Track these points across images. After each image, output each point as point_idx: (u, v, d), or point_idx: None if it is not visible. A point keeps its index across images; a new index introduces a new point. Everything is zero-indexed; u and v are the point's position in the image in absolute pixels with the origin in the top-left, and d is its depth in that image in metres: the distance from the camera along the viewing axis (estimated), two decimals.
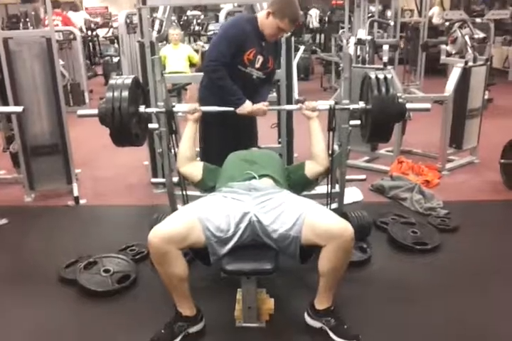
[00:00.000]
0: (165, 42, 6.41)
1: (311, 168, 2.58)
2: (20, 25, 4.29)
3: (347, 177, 2.86)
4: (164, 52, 6.01)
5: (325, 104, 2.69)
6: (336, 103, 2.69)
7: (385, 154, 4.48)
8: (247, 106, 2.78)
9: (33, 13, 4.01)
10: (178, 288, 2.11)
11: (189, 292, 2.14)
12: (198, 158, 2.85)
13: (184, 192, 2.73)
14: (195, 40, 8.37)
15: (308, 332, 2.18)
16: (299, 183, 2.58)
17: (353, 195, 3.67)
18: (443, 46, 4.88)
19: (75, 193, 3.77)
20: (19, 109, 3.38)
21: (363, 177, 3.17)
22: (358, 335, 2.09)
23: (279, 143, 3.86)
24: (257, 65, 2.86)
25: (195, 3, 6.82)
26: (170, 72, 5.75)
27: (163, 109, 2.58)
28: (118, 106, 2.31)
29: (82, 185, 4.03)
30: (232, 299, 2.24)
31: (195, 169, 2.59)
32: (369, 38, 4.96)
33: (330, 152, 2.60)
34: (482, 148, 4.56)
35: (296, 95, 6.24)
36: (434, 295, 2.48)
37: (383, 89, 2.35)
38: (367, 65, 4.59)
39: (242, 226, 2.09)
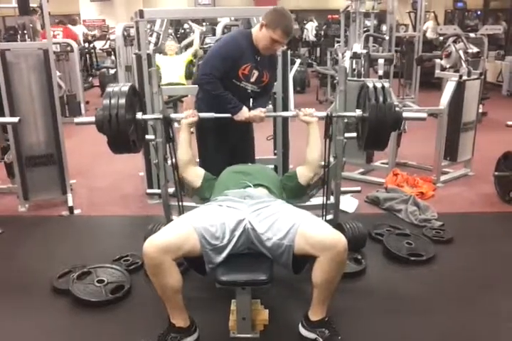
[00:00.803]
0: (161, 54, 6.44)
1: (303, 175, 2.61)
2: (18, 37, 4.32)
3: (342, 188, 2.88)
4: (158, 61, 5.94)
5: (321, 113, 2.70)
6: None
7: (380, 166, 4.50)
8: (244, 113, 2.82)
9: (30, 25, 4.03)
10: (171, 299, 2.10)
11: (183, 303, 2.13)
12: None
13: (180, 203, 2.73)
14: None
15: None
16: (293, 191, 2.61)
17: (349, 203, 3.68)
18: (437, 60, 4.93)
19: (70, 203, 3.77)
20: (15, 119, 3.39)
21: (358, 188, 3.18)
22: None
23: (275, 154, 3.87)
24: (252, 80, 2.88)
25: (191, 16, 6.89)
26: (166, 84, 5.76)
27: (161, 116, 2.60)
28: (115, 113, 2.32)
29: (76, 195, 4.03)
30: (226, 310, 2.23)
31: (196, 177, 2.64)
32: (364, 51, 5.00)
33: (326, 159, 2.62)
34: (476, 160, 4.59)
35: (292, 108, 6.27)
36: (429, 306, 2.48)
37: (380, 98, 2.39)
38: (362, 79, 4.62)
39: (237, 233, 2.10)
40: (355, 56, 4.99)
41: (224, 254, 2.08)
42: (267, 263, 2.12)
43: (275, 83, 3.33)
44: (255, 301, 2.24)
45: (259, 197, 2.29)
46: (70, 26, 10.19)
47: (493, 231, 3.41)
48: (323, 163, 2.64)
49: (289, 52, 3.83)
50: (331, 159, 2.72)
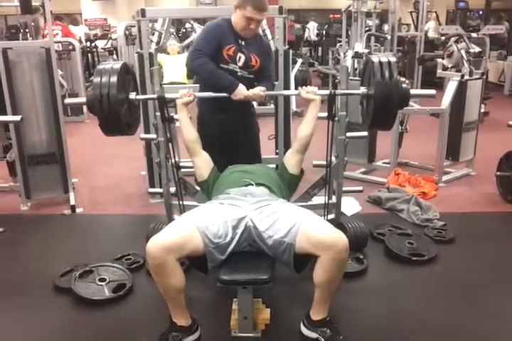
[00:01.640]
0: (163, 53, 6.45)
1: (290, 161, 2.61)
2: (20, 35, 4.32)
3: (344, 188, 2.88)
4: (160, 58, 5.97)
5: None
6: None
7: (382, 166, 4.50)
8: (242, 91, 2.76)
9: (32, 24, 4.03)
10: (174, 298, 2.10)
11: (185, 302, 2.13)
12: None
13: (181, 202, 2.73)
14: None
15: None
16: (290, 182, 2.62)
17: (351, 205, 3.68)
18: (439, 60, 4.92)
19: (72, 202, 3.77)
20: (17, 118, 3.39)
21: (360, 188, 3.18)
22: None
23: (277, 154, 3.87)
24: (240, 64, 2.88)
25: (193, 15, 6.89)
26: (168, 83, 5.77)
27: (155, 96, 2.53)
28: (106, 92, 2.21)
29: (78, 194, 4.03)
30: (227, 309, 2.23)
31: (205, 162, 2.63)
32: (366, 51, 5.01)
33: (328, 159, 2.60)
34: (478, 160, 4.59)
35: (293, 107, 6.28)
36: (431, 306, 2.48)
37: (386, 74, 2.27)
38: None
39: (239, 231, 2.10)
40: (357, 56, 5.00)
41: (227, 252, 2.08)
42: (268, 263, 2.12)
43: (276, 83, 3.31)
44: (257, 300, 2.24)
45: (261, 195, 2.29)
46: (71, 27, 10.22)
47: (495, 231, 3.41)
48: (309, 139, 2.56)
49: (290, 51, 3.83)
50: (333, 158, 2.72)
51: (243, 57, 2.88)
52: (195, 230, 2.04)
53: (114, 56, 9.06)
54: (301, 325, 2.21)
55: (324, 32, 13.49)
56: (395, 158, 4.36)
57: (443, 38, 6.47)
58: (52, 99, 3.70)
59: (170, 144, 2.69)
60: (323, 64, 10.24)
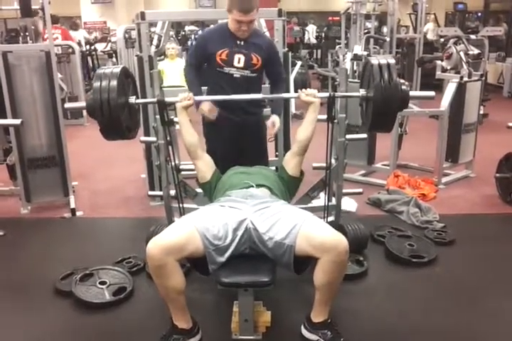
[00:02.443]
0: (163, 56, 6.46)
1: (289, 163, 2.60)
2: (20, 39, 4.33)
3: (344, 190, 2.88)
4: (162, 66, 6.06)
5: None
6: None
7: (382, 168, 4.50)
8: (202, 107, 2.87)
9: (32, 27, 4.04)
10: (174, 300, 2.10)
11: (185, 305, 2.13)
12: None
13: (181, 205, 2.73)
14: None
15: None
16: (290, 184, 2.60)
17: (348, 204, 3.68)
18: (438, 62, 4.93)
19: (72, 205, 3.77)
20: (17, 121, 3.39)
21: (360, 190, 3.18)
22: None
23: (277, 156, 3.87)
24: (239, 65, 2.92)
25: (192, 18, 6.91)
26: (168, 86, 5.78)
27: (155, 100, 2.53)
28: (106, 97, 2.20)
29: (78, 197, 4.03)
30: (228, 311, 2.23)
31: (207, 166, 2.60)
32: (365, 53, 5.02)
33: (327, 161, 2.60)
34: (478, 162, 4.59)
35: (293, 109, 6.28)
36: (431, 307, 2.48)
37: (386, 76, 2.25)
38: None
39: (239, 233, 2.10)
40: (356, 58, 5.01)
41: (227, 254, 2.09)
42: (269, 265, 2.12)
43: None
44: (257, 303, 2.24)
45: (262, 197, 2.29)
46: (71, 32, 10.24)
47: (494, 232, 3.41)
48: (308, 142, 2.55)
49: (290, 54, 3.84)
50: (333, 161, 2.72)
51: (243, 58, 2.92)
52: (196, 232, 2.05)
53: (114, 59, 9.06)
54: (302, 327, 2.21)
55: (323, 34, 13.51)
56: (394, 160, 4.36)
57: (442, 39, 6.48)
58: (52, 103, 3.70)
59: (170, 147, 2.69)
60: (322, 66, 10.24)
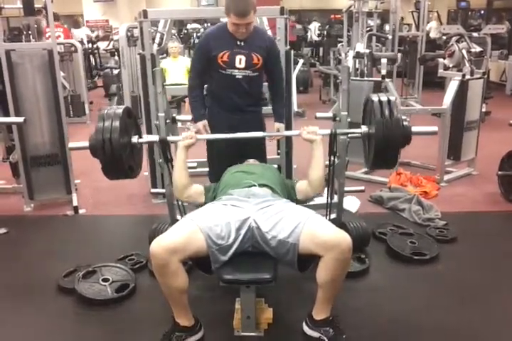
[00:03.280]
0: (165, 55, 6.46)
1: (303, 192, 2.55)
2: (23, 37, 4.35)
3: (346, 188, 2.88)
4: (164, 65, 6.07)
5: (325, 117, 2.69)
6: (335, 116, 2.70)
7: None
8: (199, 126, 3.05)
9: (35, 25, 4.05)
10: (177, 299, 2.11)
11: (188, 303, 2.14)
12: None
13: (180, 203, 2.73)
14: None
15: None
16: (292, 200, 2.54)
17: (351, 202, 3.68)
18: (440, 60, 4.94)
19: (75, 203, 3.79)
20: (20, 119, 3.41)
21: (362, 188, 3.18)
22: None
23: (278, 154, 3.88)
24: (240, 65, 2.94)
25: (194, 16, 6.91)
26: (170, 84, 5.79)
27: (157, 139, 2.54)
28: (108, 137, 2.21)
29: (81, 194, 4.05)
30: (230, 308, 2.24)
31: (197, 195, 2.54)
32: (367, 51, 5.01)
33: (330, 177, 2.58)
34: (480, 160, 4.59)
35: (295, 107, 6.28)
36: (433, 305, 2.48)
37: (387, 113, 2.24)
38: (365, 78, 4.63)
39: (242, 232, 2.11)
40: (358, 56, 5.00)
41: (230, 253, 2.09)
42: (271, 262, 2.12)
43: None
44: (259, 300, 2.24)
45: (264, 195, 2.29)
46: (73, 30, 10.26)
47: (496, 230, 3.42)
48: (321, 181, 2.50)
49: (292, 52, 3.84)
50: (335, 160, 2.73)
51: (244, 58, 2.93)
52: (199, 231, 2.05)
53: (116, 57, 9.06)
54: (304, 324, 2.22)
55: (325, 32, 13.49)
56: None
57: (444, 37, 6.47)
58: (54, 101, 3.72)
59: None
60: (324, 64, 10.23)
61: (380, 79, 4.29)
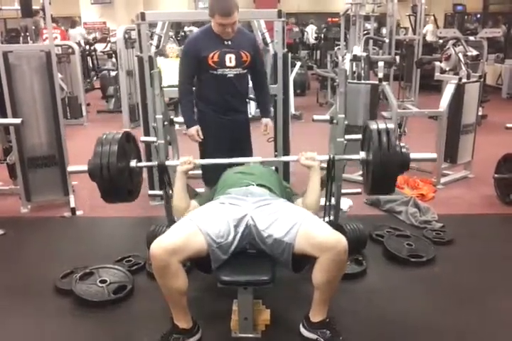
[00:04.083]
0: (162, 57, 6.46)
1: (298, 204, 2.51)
2: (20, 39, 4.35)
3: (342, 190, 2.89)
4: (160, 63, 6.02)
5: (322, 119, 2.70)
6: (332, 119, 2.71)
7: None
8: (191, 131, 3.12)
9: (33, 27, 4.06)
10: (177, 301, 2.11)
11: (186, 305, 2.15)
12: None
13: None
14: None
15: None
16: None
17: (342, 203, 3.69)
18: (437, 63, 4.95)
19: (72, 204, 3.78)
20: (18, 121, 3.41)
21: (359, 190, 3.19)
22: None
23: (276, 156, 3.88)
24: (231, 64, 3.02)
25: (192, 19, 6.91)
26: (168, 86, 5.78)
27: (156, 163, 2.55)
28: (106, 161, 2.23)
29: (78, 196, 4.04)
30: (228, 310, 2.24)
31: (193, 208, 2.51)
32: (364, 54, 5.03)
33: (328, 202, 2.61)
34: (476, 163, 4.61)
35: (292, 110, 6.30)
36: (429, 307, 2.49)
37: (384, 141, 2.24)
38: (362, 81, 4.65)
39: (240, 229, 2.12)
40: (356, 59, 5.02)
41: (230, 251, 2.10)
42: (269, 264, 2.13)
43: (275, 86, 3.39)
44: (257, 301, 2.25)
45: (262, 194, 2.31)
46: (70, 30, 10.28)
47: (493, 232, 3.43)
48: (318, 206, 2.51)
49: (289, 54, 3.86)
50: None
51: (233, 56, 3.02)
52: (198, 231, 2.06)
53: (114, 59, 9.07)
54: (301, 326, 2.22)
55: (323, 35, 13.53)
56: None
57: (441, 41, 6.49)
58: (52, 102, 3.72)
59: (170, 147, 2.71)
60: (321, 67, 10.26)
61: (377, 82, 4.31)
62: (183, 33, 10.36)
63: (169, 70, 6.12)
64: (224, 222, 2.12)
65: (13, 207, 3.87)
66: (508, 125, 3.69)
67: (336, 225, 2.82)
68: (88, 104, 7.73)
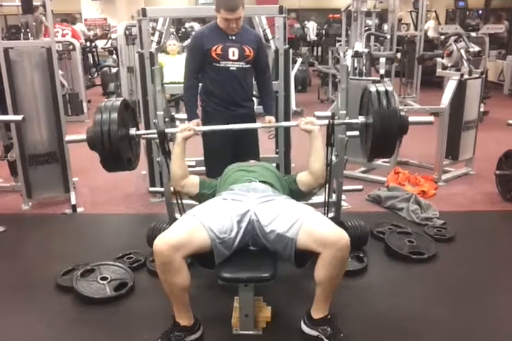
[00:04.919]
0: (163, 53, 6.45)
1: (306, 183, 2.56)
2: (21, 35, 4.34)
3: (344, 187, 2.89)
4: (161, 59, 6.01)
5: (323, 116, 2.69)
6: (334, 115, 2.70)
7: (382, 165, 4.51)
8: (193, 124, 3.01)
9: (33, 23, 4.05)
10: (179, 297, 2.11)
11: (188, 302, 2.15)
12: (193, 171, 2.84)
13: (180, 201, 2.73)
14: None
15: None
16: (293, 193, 2.57)
17: None
18: (439, 59, 4.93)
19: (73, 201, 3.78)
20: (19, 117, 3.40)
21: (360, 187, 3.19)
22: None
23: (277, 153, 3.88)
24: (234, 57, 3.04)
25: (193, 15, 6.91)
26: (169, 83, 5.78)
27: (155, 131, 2.52)
28: (107, 129, 2.20)
29: (79, 193, 4.04)
30: (229, 307, 2.25)
31: (192, 186, 2.56)
32: (366, 50, 5.01)
33: (328, 167, 2.60)
34: (478, 159, 4.60)
35: (293, 106, 6.29)
36: (430, 304, 2.49)
37: (384, 103, 2.26)
38: (364, 77, 4.63)
39: (243, 225, 2.13)
40: (357, 55, 5.00)
41: (233, 247, 2.11)
42: (270, 260, 2.13)
43: (276, 82, 3.37)
44: (258, 298, 2.25)
45: (264, 190, 2.31)
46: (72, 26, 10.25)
47: (494, 229, 3.43)
48: (322, 172, 2.52)
49: (290, 51, 3.85)
50: (333, 157, 2.73)
51: (236, 50, 3.04)
52: (201, 227, 2.06)
53: (114, 56, 9.06)
54: (302, 323, 2.22)
55: (324, 31, 13.50)
56: (394, 157, 4.36)
57: (442, 37, 6.47)
58: (53, 99, 3.71)
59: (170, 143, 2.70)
60: (322, 63, 10.25)
61: (378, 78, 4.29)
62: (183, 29, 10.34)
63: (170, 67, 6.15)
64: (227, 218, 2.12)
65: (14, 204, 3.87)
66: (510, 121, 3.67)
67: (337, 222, 2.82)
68: (89, 101, 7.72)
